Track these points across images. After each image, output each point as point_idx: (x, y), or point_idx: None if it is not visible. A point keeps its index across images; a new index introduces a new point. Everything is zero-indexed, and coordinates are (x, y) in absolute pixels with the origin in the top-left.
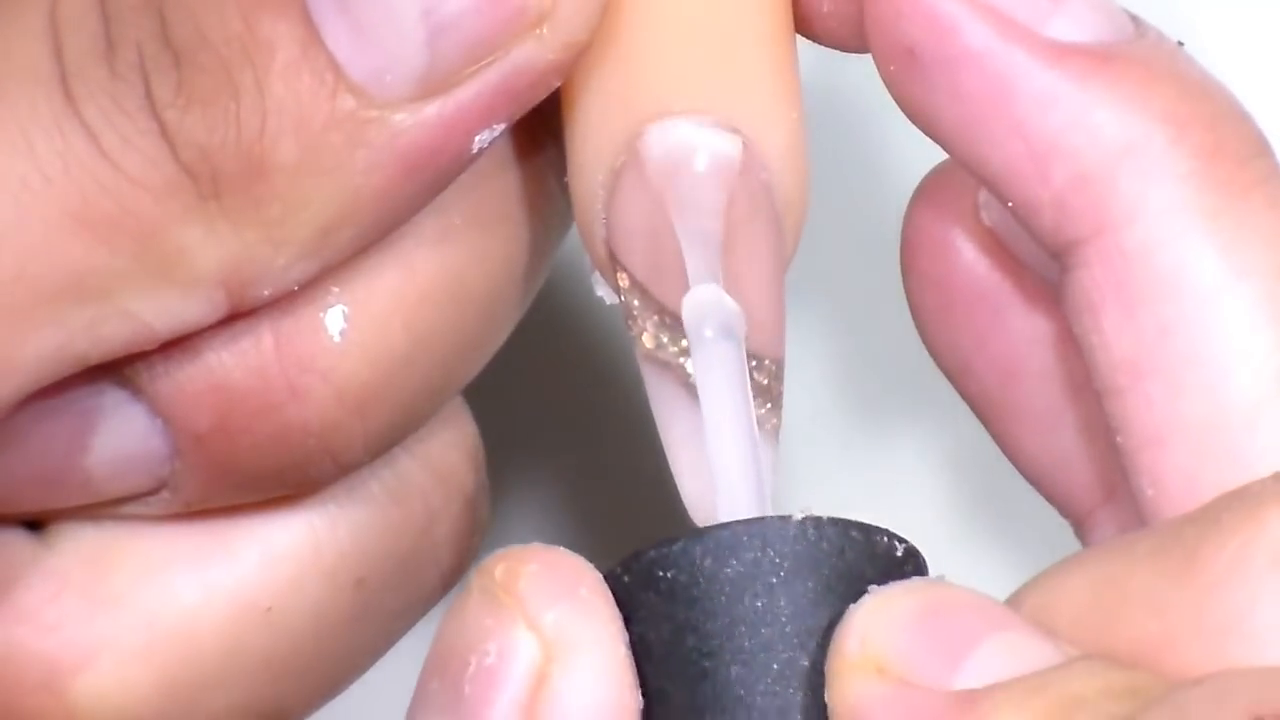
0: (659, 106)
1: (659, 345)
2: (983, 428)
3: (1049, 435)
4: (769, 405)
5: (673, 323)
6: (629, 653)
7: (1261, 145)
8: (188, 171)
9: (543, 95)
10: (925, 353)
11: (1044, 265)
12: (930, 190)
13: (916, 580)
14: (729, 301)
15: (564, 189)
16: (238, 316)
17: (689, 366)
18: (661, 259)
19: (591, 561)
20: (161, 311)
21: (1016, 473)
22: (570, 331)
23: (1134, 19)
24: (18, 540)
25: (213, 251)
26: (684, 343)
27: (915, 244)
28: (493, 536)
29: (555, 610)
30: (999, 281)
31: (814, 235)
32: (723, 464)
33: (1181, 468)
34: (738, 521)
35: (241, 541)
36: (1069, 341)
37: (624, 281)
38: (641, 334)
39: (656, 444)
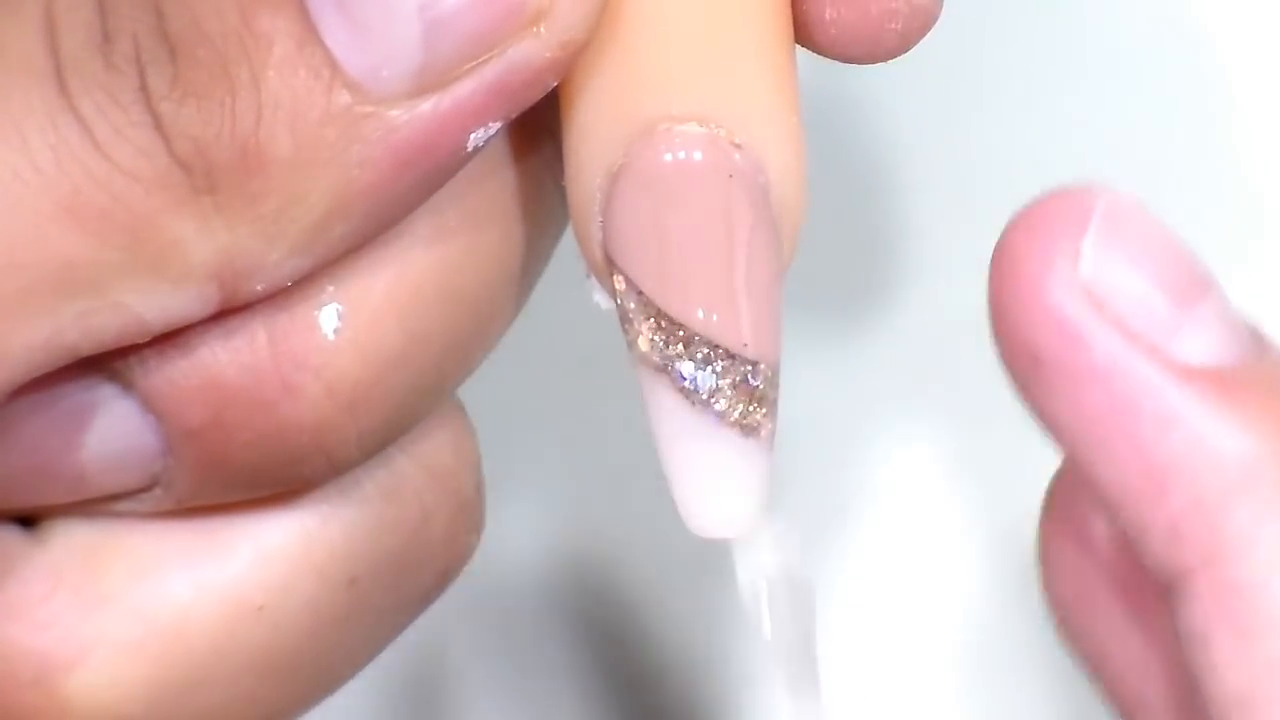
0: (657, 109)
1: (654, 349)
2: (982, 430)
3: None
4: (765, 411)
5: (669, 326)
6: None
7: None
8: (181, 164)
9: (540, 94)
10: (921, 356)
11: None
12: (1064, 492)
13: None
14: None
15: (560, 189)
16: (230, 311)
17: (684, 370)
18: (660, 263)
19: (585, 562)
20: (153, 304)
21: (1016, 475)
22: (568, 331)
23: (1255, 336)
24: (10, 537)
25: (206, 245)
26: (679, 347)
27: (1056, 527)
28: (488, 536)
29: None
30: (1139, 583)
31: (810, 241)
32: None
33: None
34: None
35: (234, 539)
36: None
37: (620, 285)
38: (637, 338)
39: (652, 445)
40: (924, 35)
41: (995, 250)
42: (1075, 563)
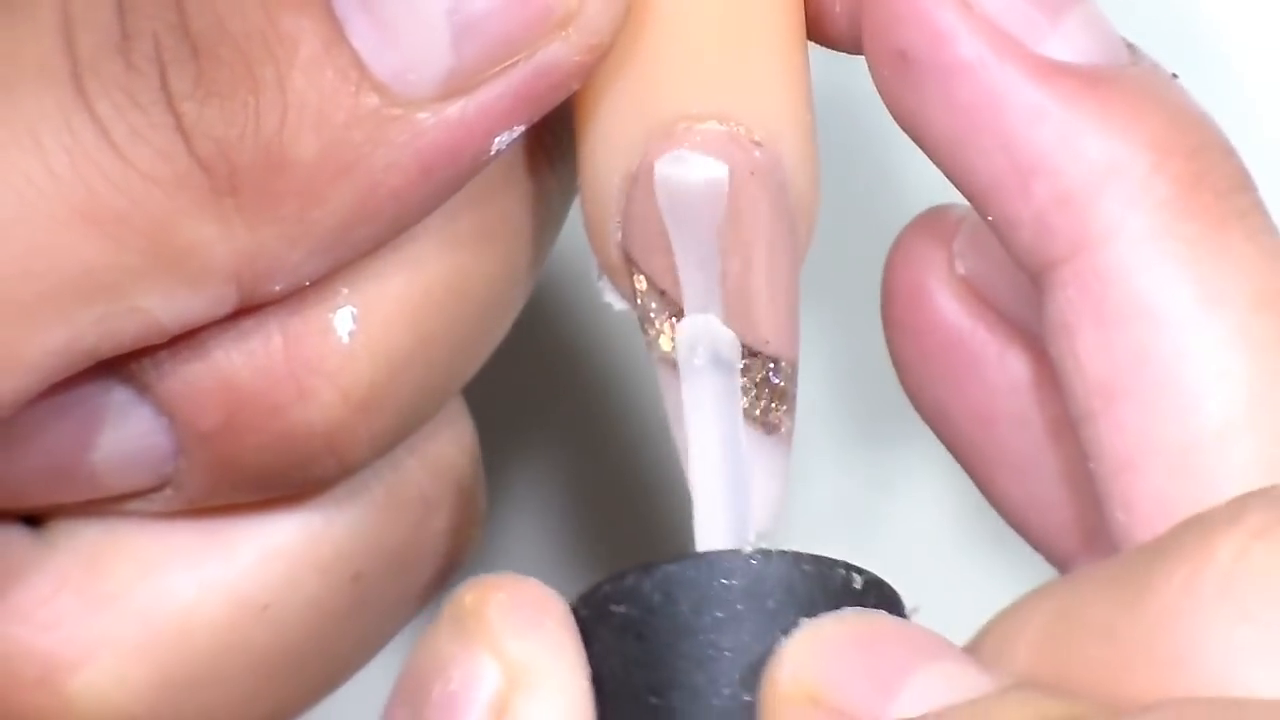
0: (677, 108)
1: (674, 348)
2: None
3: (1027, 481)
4: (785, 408)
5: None
6: (589, 687)
7: (1244, 180)
8: (203, 165)
9: (563, 97)
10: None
11: (1018, 312)
12: (906, 242)
13: (848, 610)
14: (723, 330)
15: (561, 190)
16: (245, 313)
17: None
18: (681, 261)
19: (587, 557)
20: (171, 307)
21: None
22: (567, 329)
23: (1130, 47)
24: (17, 537)
25: (225, 246)
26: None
27: (893, 294)
28: (489, 531)
29: (520, 640)
30: (974, 329)
31: (820, 237)
32: (703, 495)
33: (1153, 492)
34: (687, 556)
35: (239, 538)
36: (1045, 387)
37: (641, 284)
38: (659, 337)
39: (653, 441)
40: None
41: None
42: (914, 316)
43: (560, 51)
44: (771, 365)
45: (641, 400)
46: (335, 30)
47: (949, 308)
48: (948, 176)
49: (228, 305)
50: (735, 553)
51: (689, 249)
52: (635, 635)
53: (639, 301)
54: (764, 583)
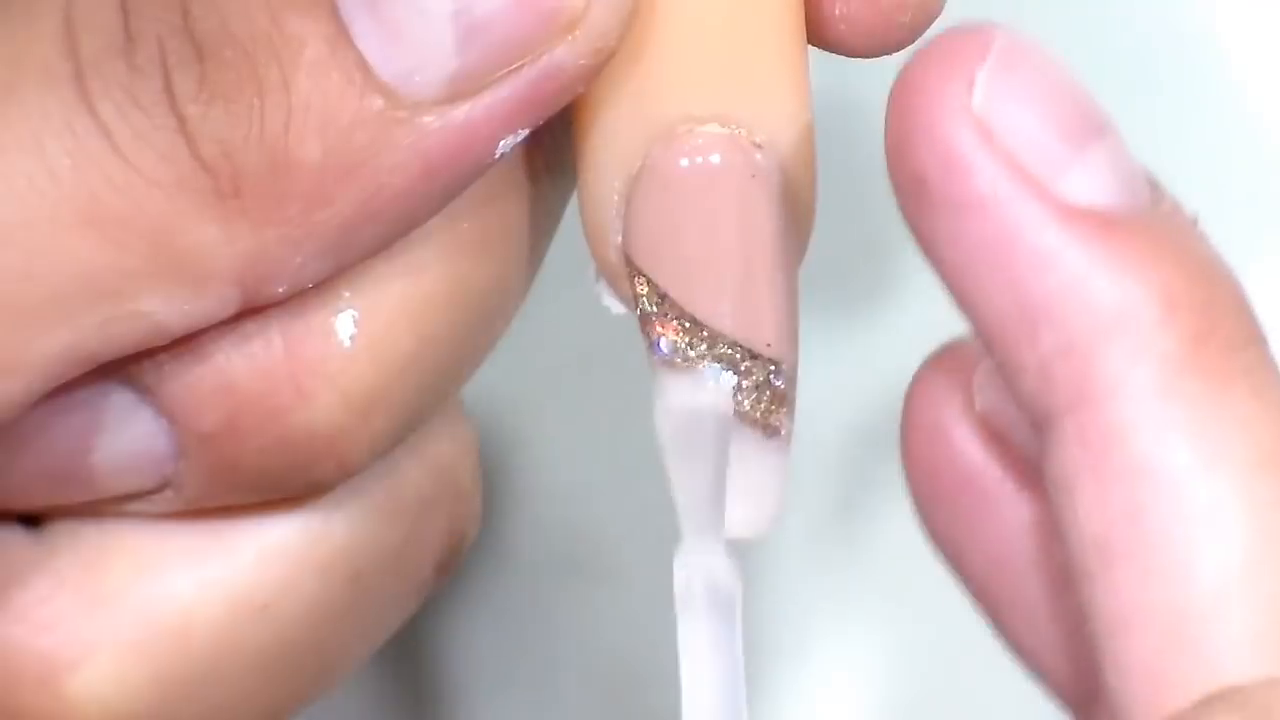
0: (678, 110)
1: (675, 351)
2: None
3: (1040, 626)
4: (784, 410)
5: (692, 327)
6: None
7: (1254, 334)
8: (207, 168)
9: (568, 100)
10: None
11: (1036, 449)
12: (925, 377)
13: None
14: (723, 562)
15: (557, 192)
16: (246, 316)
17: (709, 371)
18: (688, 264)
19: (583, 557)
20: (174, 310)
21: None
22: (565, 329)
23: (1154, 185)
24: (14, 538)
25: (229, 249)
26: (703, 347)
27: (911, 430)
28: (485, 531)
29: None
30: (990, 468)
31: (817, 240)
32: None
33: (1144, 658)
34: None
35: (237, 538)
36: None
37: (642, 288)
38: (659, 340)
39: (650, 441)
40: (930, 25)
41: (895, 80)
42: (934, 452)
43: (566, 54)
44: (772, 368)
45: (639, 401)
46: (340, 32)
47: (966, 445)
48: (959, 309)
49: (230, 308)
50: None
51: (692, 473)
52: None
53: (639, 305)
54: None
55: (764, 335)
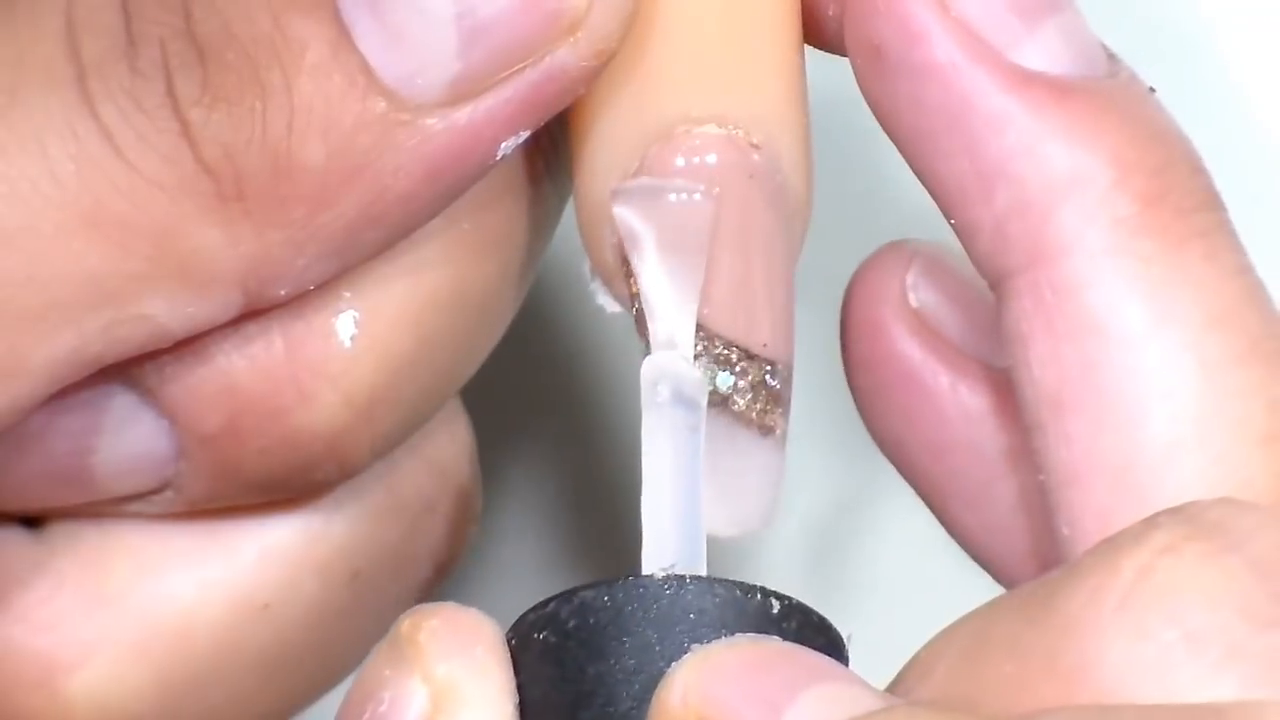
0: (676, 111)
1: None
2: None
3: (982, 510)
4: (780, 410)
5: None
6: (515, 712)
7: (1210, 199)
8: (209, 171)
9: (568, 102)
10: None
11: (971, 343)
12: (862, 277)
13: (739, 636)
14: (690, 370)
15: (556, 193)
16: (248, 317)
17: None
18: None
19: (581, 557)
20: (177, 313)
21: None
22: (563, 330)
23: (1110, 56)
24: (15, 539)
25: (232, 251)
26: (699, 347)
27: (850, 328)
28: (484, 531)
29: (447, 663)
30: (927, 361)
31: (816, 240)
32: (652, 526)
33: (1096, 507)
34: (601, 582)
35: (238, 539)
36: (998, 417)
37: (635, 287)
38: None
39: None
40: None
41: None
42: (874, 358)
43: (568, 57)
44: (769, 368)
45: (636, 400)
46: (342, 35)
47: (903, 340)
48: (916, 174)
49: (233, 310)
50: (649, 579)
51: (664, 282)
52: (554, 660)
53: (635, 304)
54: (675, 608)
55: (759, 335)
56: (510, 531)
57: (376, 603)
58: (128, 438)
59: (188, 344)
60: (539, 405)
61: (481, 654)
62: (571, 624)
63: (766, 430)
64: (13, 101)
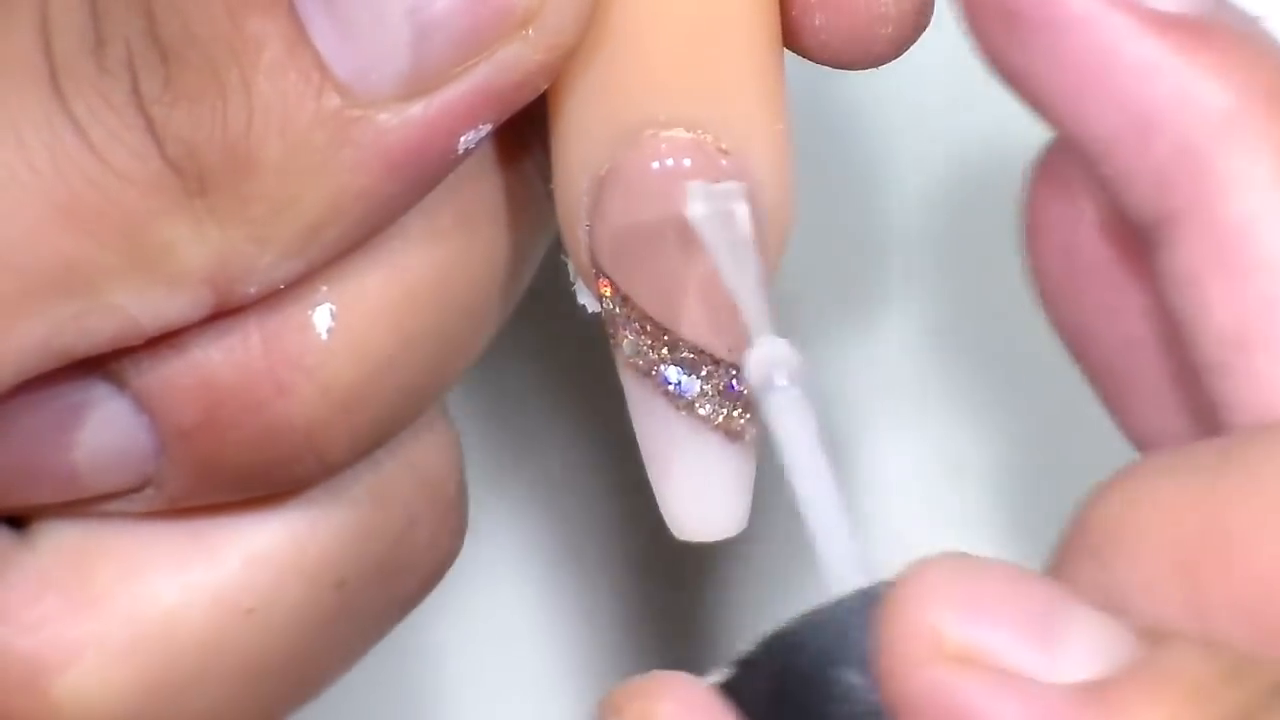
0: (643, 115)
1: (639, 353)
2: (979, 429)
3: (1167, 410)
4: (749, 416)
5: (654, 331)
6: None
7: None
8: (174, 167)
9: (530, 97)
10: (919, 359)
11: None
12: (1053, 162)
13: (970, 557)
14: (794, 352)
15: (549, 191)
16: (224, 314)
17: (670, 375)
18: (645, 268)
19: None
20: (148, 307)
21: (1017, 478)
22: (553, 336)
23: None
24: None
25: (199, 248)
26: (665, 351)
27: (1040, 214)
28: (470, 542)
29: None
30: (1125, 252)
31: (804, 242)
32: (821, 530)
33: None
34: (803, 617)
35: (224, 542)
36: None
37: (606, 289)
38: (623, 342)
39: (637, 451)
40: (914, 40)
41: None
42: (1061, 240)
43: (521, 51)
44: (734, 373)
45: (625, 409)
46: (298, 32)
47: (1100, 228)
48: (1059, 131)
49: (205, 308)
50: (840, 605)
51: (743, 283)
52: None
53: (604, 306)
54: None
55: (725, 340)
56: (496, 544)
57: (361, 613)
58: (107, 434)
59: (164, 338)
60: (527, 416)
61: None
62: (785, 671)
63: (733, 435)
64: None
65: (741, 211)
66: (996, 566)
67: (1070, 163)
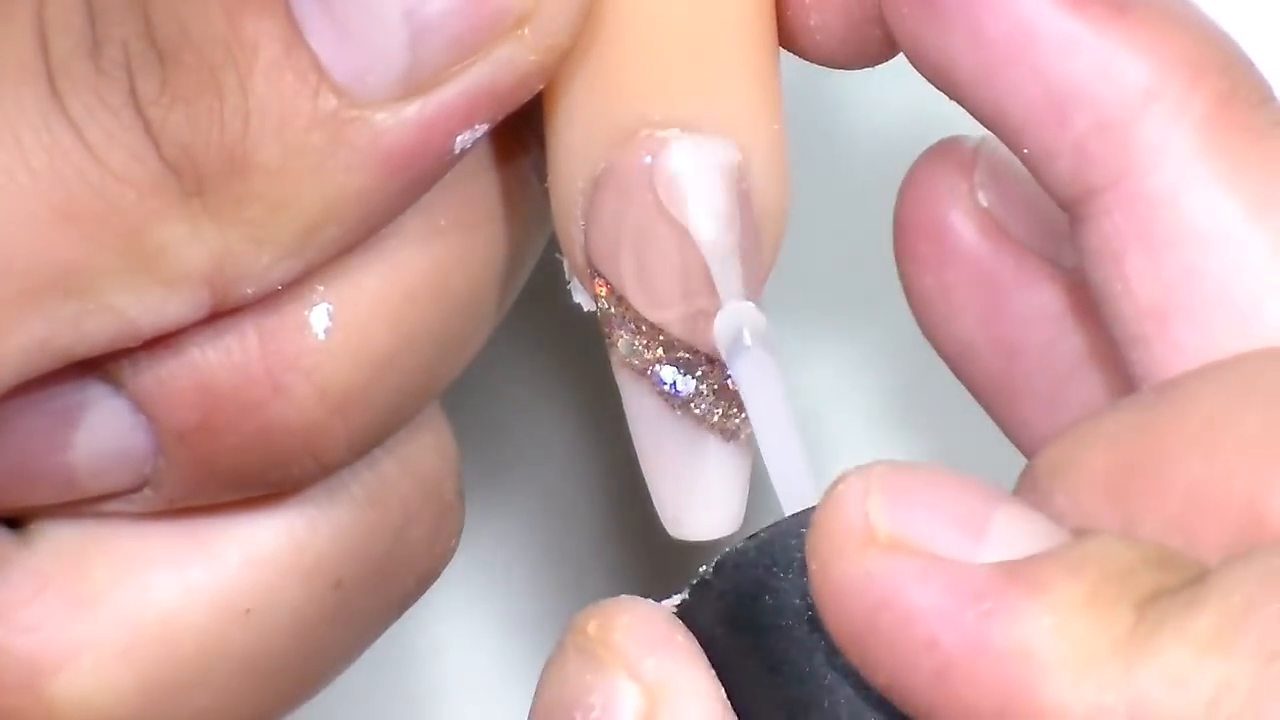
0: (639, 115)
1: (634, 353)
2: (977, 427)
3: (1053, 412)
4: (743, 415)
5: (649, 330)
6: (723, 692)
7: (1269, 91)
8: (171, 168)
9: (526, 97)
10: (915, 359)
11: (1040, 244)
12: (924, 173)
13: (906, 462)
14: (760, 315)
15: (546, 191)
16: (221, 315)
17: (665, 375)
18: (640, 268)
19: (564, 567)
20: (145, 308)
21: (1013, 477)
22: (549, 336)
23: None
24: None
25: (196, 249)
26: (659, 351)
27: (911, 226)
28: (466, 541)
29: (654, 657)
30: (997, 262)
31: (801, 243)
32: (779, 467)
33: None
34: (750, 539)
35: (222, 542)
36: (1070, 318)
37: (601, 289)
38: (618, 341)
39: (633, 450)
40: None
41: None
42: (933, 252)
43: (517, 52)
44: (729, 373)
45: (621, 409)
46: (294, 34)
47: (973, 239)
48: (974, 114)
49: (202, 310)
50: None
51: (709, 238)
52: (734, 627)
53: (599, 306)
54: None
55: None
56: (492, 543)
57: (358, 613)
58: (105, 434)
59: (162, 339)
60: (523, 416)
61: (682, 641)
62: (736, 588)
63: (728, 434)
64: None
65: (727, 166)
66: (927, 466)
67: (943, 174)
